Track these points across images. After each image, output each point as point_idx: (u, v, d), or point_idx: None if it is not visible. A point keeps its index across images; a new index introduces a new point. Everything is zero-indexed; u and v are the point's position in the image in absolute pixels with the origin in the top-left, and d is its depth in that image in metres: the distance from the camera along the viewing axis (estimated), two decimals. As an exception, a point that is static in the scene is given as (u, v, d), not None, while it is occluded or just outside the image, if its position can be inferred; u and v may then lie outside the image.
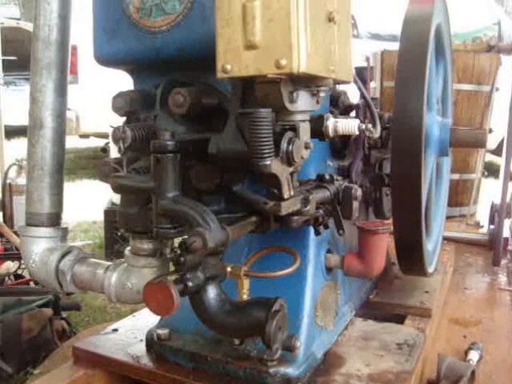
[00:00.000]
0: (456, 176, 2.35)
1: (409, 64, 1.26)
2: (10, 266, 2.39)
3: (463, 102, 2.27)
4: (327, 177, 0.86)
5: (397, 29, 1.32)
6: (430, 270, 1.39)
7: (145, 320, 1.26)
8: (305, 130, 0.73)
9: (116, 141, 0.79)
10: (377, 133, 0.96)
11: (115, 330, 1.23)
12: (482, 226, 2.30)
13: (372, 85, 2.50)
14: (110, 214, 3.17)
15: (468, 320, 1.54)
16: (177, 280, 0.82)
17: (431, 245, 1.44)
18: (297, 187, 0.78)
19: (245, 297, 0.96)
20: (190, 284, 0.82)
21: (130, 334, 1.21)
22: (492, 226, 2.11)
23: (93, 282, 0.98)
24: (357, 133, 0.83)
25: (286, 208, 0.72)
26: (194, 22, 0.83)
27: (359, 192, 0.88)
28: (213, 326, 0.87)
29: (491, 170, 4.67)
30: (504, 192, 2.00)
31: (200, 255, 0.73)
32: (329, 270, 1.17)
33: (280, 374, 0.98)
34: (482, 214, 2.61)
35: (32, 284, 2.42)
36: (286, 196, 0.71)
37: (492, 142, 3.55)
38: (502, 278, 1.86)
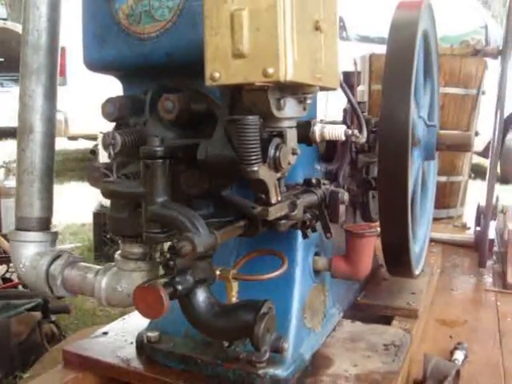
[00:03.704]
0: (443, 178, 2.39)
1: (396, 68, 1.28)
2: (-1, 269, 2.38)
3: (450, 106, 2.30)
4: (314, 181, 0.87)
5: (386, 31, 1.34)
6: (417, 271, 1.41)
7: (134, 323, 1.27)
8: (292, 136, 0.75)
9: (106, 147, 0.80)
10: (363, 138, 0.98)
11: (105, 333, 1.24)
12: (469, 228, 2.33)
13: (360, 88, 2.52)
14: (98, 216, 3.17)
15: (454, 320, 1.57)
16: (166, 283, 0.83)
17: (418, 247, 1.46)
18: (284, 192, 0.79)
19: (234, 299, 0.98)
20: (180, 287, 0.83)
21: (119, 337, 1.22)
22: (478, 228, 2.14)
23: (83, 286, 0.99)
24: (343, 138, 0.84)
25: (274, 213, 0.73)
26: (183, 28, 0.84)
27: (346, 196, 0.90)
28: (202, 329, 0.88)
29: (478, 172, 4.72)
30: (489, 194, 2.03)
31: (189, 259, 0.74)
32: (317, 272, 1.18)
33: (269, 375, 1.00)
34: (469, 215, 2.64)
35: (20, 287, 2.41)
36: (273, 201, 0.72)
37: (479, 143, 3.60)
38: (488, 279, 1.90)
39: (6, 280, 2.39)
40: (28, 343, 2.11)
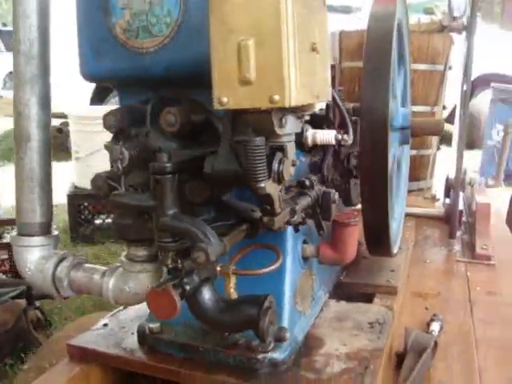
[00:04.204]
0: (413, 152, 2.50)
1: (375, 60, 1.34)
2: (-21, 259, 2.40)
3: (419, 81, 2.40)
4: (307, 183, 0.95)
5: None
6: (395, 250, 1.52)
7: (132, 313, 1.35)
8: (291, 148, 0.82)
9: (114, 161, 0.86)
10: (350, 140, 1.06)
11: (105, 325, 1.31)
12: (438, 200, 2.47)
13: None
14: (73, 198, 3.19)
15: (428, 292, 1.70)
16: (175, 285, 0.90)
17: (395, 226, 1.57)
18: (283, 197, 0.87)
19: (232, 291, 1.06)
20: (188, 288, 0.91)
21: (120, 328, 1.29)
22: (447, 200, 2.28)
23: (90, 287, 1.05)
24: (333, 143, 0.92)
25: (279, 222, 0.81)
26: (180, 44, 0.89)
27: (337, 196, 0.98)
28: (209, 324, 0.97)
29: (444, 138, 4.91)
30: (458, 168, 2.15)
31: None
32: (305, 259, 1.28)
33: (267, 358, 1.09)
34: (438, 185, 2.78)
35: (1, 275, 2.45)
36: (277, 211, 0.80)
37: (444, 111, 3.74)
38: (458, 250, 2.04)
39: (-13, 269, 2.42)
40: (15, 330, 2.17)
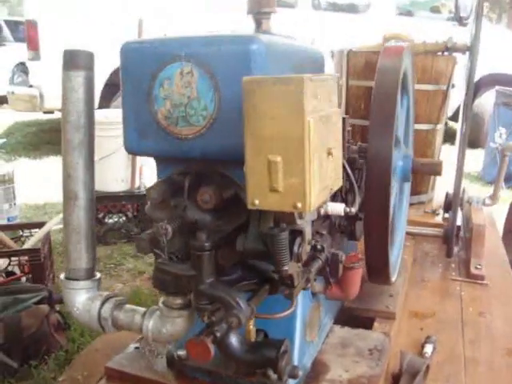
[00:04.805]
0: (415, 166, 2.71)
1: (380, 113, 1.54)
2: (0, 263, 2.62)
3: (422, 101, 2.58)
4: (319, 247, 1.17)
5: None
6: (393, 279, 1.75)
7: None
8: (309, 231, 1.03)
9: (160, 236, 1.07)
10: (355, 209, 1.27)
11: (137, 348, 1.54)
12: (438, 214, 2.68)
13: (339, 81, 2.78)
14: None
15: (424, 312, 1.93)
16: (208, 333, 1.13)
17: (394, 256, 1.80)
18: (300, 268, 1.08)
19: (252, 327, 1.28)
20: (218, 334, 1.13)
21: (150, 352, 1.52)
22: (446, 215, 2.49)
23: (131, 326, 1.27)
24: (342, 214, 1.13)
25: (297, 293, 1.03)
26: (215, 135, 1.09)
27: (344, 257, 1.19)
28: (235, 363, 1.19)
29: (447, 135, 5.10)
30: (457, 186, 2.36)
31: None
32: (313, 294, 1.50)
33: (281, 385, 1.33)
34: (440, 194, 2.99)
35: (23, 280, 2.67)
36: (296, 284, 1.01)
37: (449, 110, 3.93)
38: (454, 267, 2.27)
39: (8, 274, 2.64)
40: (38, 334, 2.41)
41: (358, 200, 1.32)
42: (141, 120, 1.16)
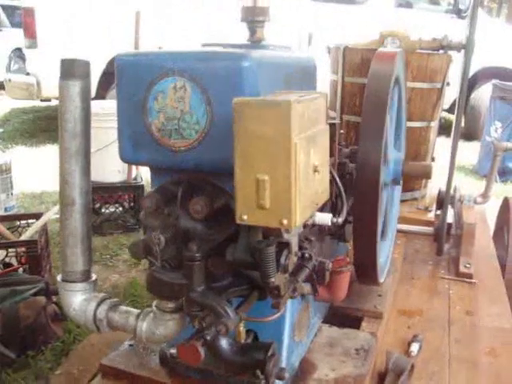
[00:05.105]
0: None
1: (372, 120, 1.58)
2: (-2, 254, 2.67)
3: (416, 98, 2.63)
4: (307, 255, 1.22)
5: None
6: (381, 280, 1.81)
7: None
8: (295, 242, 1.09)
9: (154, 245, 1.12)
10: (341, 219, 1.33)
11: (131, 346, 1.61)
12: (431, 211, 2.74)
13: (333, 77, 2.81)
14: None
15: (412, 310, 2.00)
16: (198, 337, 1.19)
17: (383, 258, 1.85)
18: (286, 278, 1.13)
19: (241, 329, 1.34)
20: (208, 338, 1.19)
21: (144, 350, 1.59)
22: (438, 212, 2.55)
23: (125, 327, 1.33)
24: (329, 224, 1.19)
25: (284, 303, 1.09)
26: (207, 148, 1.14)
27: (330, 265, 1.25)
28: (224, 365, 1.26)
29: (444, 126, 5.15)
30: (448, 185, 2.41)
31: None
32: (302, 295, 1.56)
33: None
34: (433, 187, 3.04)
35: (20, 271, 2.72)
36: (282, 294, 1.07)
37: (445, 102, 3.98)
38: (444, 265, 2.33)
39: (6, 265, 2.70)
40: (35, 325, 2.48)
41: (345, 209, 1.37)
42: (135, 131, 1.20)
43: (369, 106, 1.59)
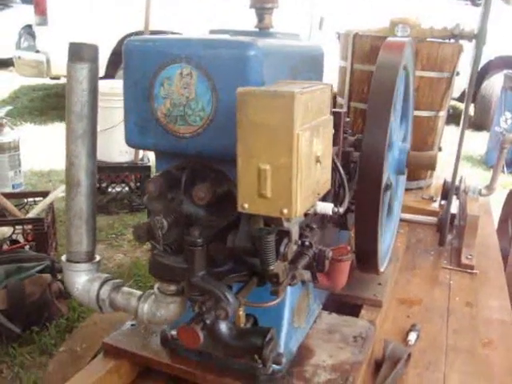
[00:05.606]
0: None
1: (377, 110, 1.59)
2: (5, 231, 2.72)
3: (425, 88, 2.62)
4: (307, 243, 1.24)
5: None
6: (382, 269, 1.83)
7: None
8: (296, 231, 1.10)
9: (156, 229, 1.15)
10: (342, 209, 1.34)
11: (133, 325, 1.64)
12: (435, 200, 2.75)
13: (342, 64, 2.81)
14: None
15: (412, 300, 2.02)
16: (198, 320, 1.21)
17: (385, 247, 1.87)
18: (286, 266, 1.15)
19: (241, 313, 1.37)
20: (208, 322, 1.22)
21: (145, 330, 1.62)
22: (443, 202, 2.55)
23: (127, 308, 1.37)
24: (331, 214, 1.20)
25: (283, 290, 1.11)
26: (211, 135, 1.16)
27: (330, 253, 1.27)
28: (223, 349, 1.29)
29: (453, 115, 5.11)
30: (454, 175, 2.42)
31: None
32: (303, 282, 1.58)
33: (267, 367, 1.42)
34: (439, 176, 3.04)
35: (27, 248, 2.77)
36: (281, 281, 1.09)
37: (455, 91, 3.95)
38: (446, 255, 2.35)
39: (13, 242, 2.74)
40: (40, 302, 2.53)
41: (347, 199, 1.39)
42: (141, 116, 1.22)
43: (374, 97, 1.60)
